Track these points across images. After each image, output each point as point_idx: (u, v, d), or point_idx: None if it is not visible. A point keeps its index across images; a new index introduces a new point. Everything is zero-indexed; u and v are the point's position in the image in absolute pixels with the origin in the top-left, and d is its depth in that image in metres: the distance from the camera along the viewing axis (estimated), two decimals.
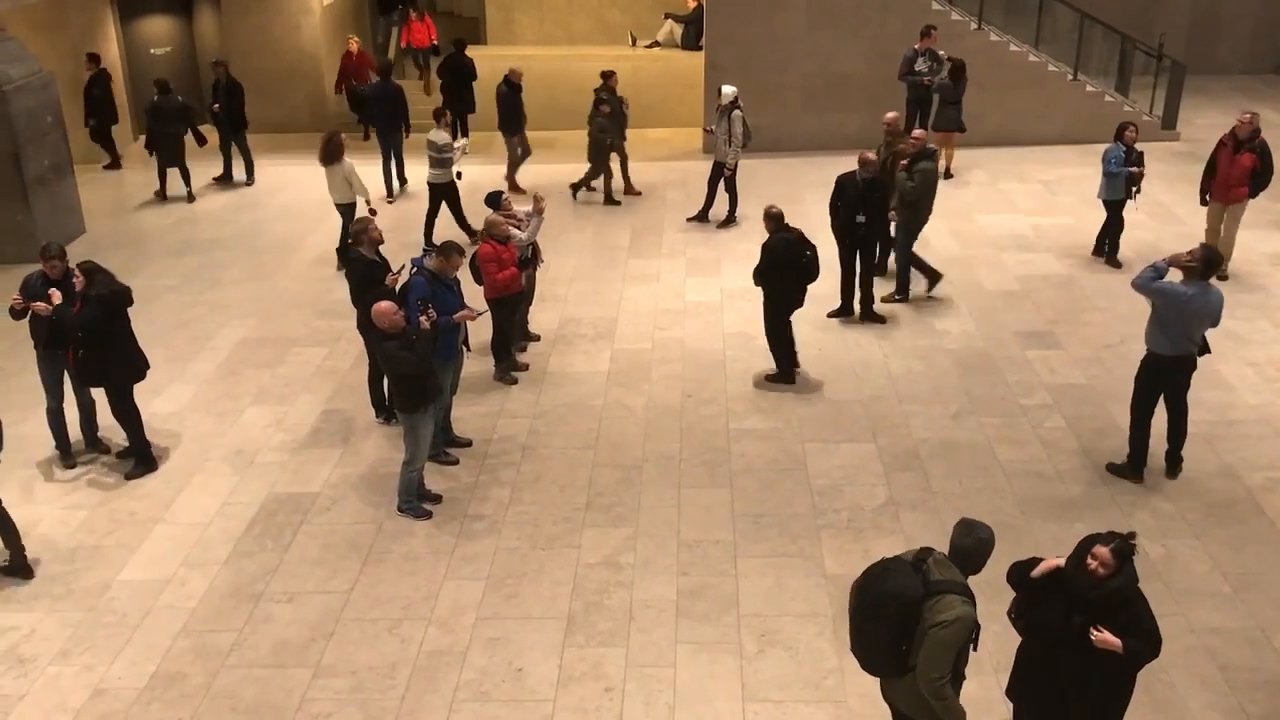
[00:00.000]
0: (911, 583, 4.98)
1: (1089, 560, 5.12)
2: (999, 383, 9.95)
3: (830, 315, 11.16)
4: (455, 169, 13.20)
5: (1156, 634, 5.16)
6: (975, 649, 5.08)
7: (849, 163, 10.95)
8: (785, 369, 10.00)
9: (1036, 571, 5.28)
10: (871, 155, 10.93)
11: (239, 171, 16.13)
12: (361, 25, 21.02)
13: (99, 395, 8.96)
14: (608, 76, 14.79)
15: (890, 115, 12.30)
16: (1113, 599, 5.08)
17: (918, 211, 11.22)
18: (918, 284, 11.66)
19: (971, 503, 8.21)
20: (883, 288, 11.52)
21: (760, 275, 9.78)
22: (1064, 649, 5.17)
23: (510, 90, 15.07)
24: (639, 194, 15.08)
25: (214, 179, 16.01)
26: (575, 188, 15.04)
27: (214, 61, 16.17)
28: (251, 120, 18.37)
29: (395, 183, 15.54)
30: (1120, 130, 12.01)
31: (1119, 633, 5.05)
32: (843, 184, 10.89)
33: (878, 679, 5.37)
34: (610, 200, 14.82)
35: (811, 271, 9.70)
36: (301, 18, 18.11)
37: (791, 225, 9.76)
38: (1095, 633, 5.05)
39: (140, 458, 8.86)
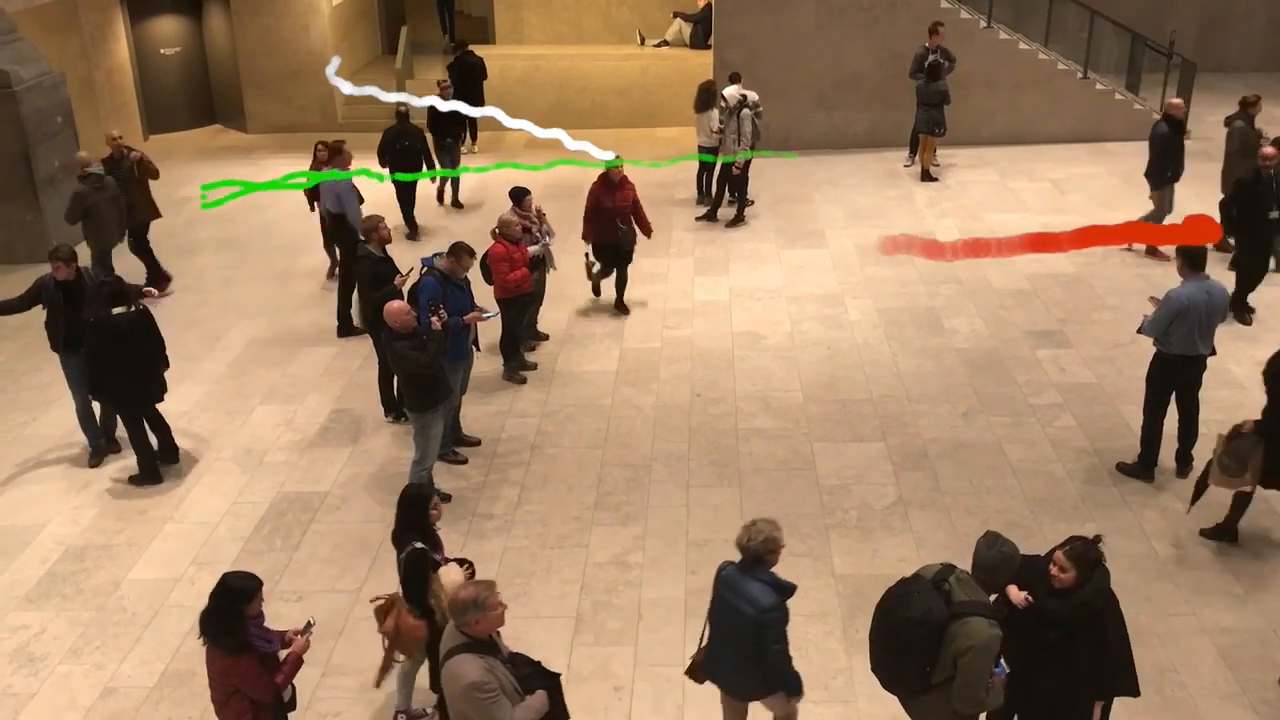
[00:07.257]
0: (935, 606, 4.82)
1: (1050, 565, 4.94)
2: (1008, 382, 9.92)
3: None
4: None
5: (1123, 661, 4.95)
6: (997, 666, 4.99)
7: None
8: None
9: (1014, 598, 5.07)
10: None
11: None
12: (370, 27, 21.02)
13: None
14: (1252, 103, 12.42)
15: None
16: (1078, 614, 4.88)
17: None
18: None
19: (981, 502, 8.19)
20: None
21: None
22: (1040, 663, 5.00)
23: (1172, 131, 12.49)
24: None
25: None
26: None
27: None
28: (260, 120, 18.50)
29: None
30: None
31: (1089, 650, 4.88)
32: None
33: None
34: None
35: None
36: (310, 18, 18.14)
37: None
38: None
39: (146, 471, 8.78)
